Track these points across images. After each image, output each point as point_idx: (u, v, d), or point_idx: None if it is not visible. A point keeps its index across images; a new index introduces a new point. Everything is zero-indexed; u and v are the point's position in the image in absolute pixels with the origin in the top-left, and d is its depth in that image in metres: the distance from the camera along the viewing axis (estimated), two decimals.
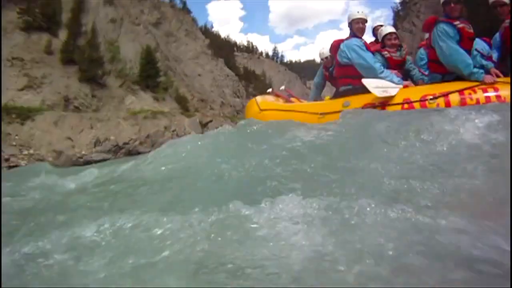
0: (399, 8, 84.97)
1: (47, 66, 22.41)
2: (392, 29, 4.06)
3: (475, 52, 3.54)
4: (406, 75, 4.08)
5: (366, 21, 3.95)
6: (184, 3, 73.02)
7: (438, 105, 3.16)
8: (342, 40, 3.96)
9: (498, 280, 1.12)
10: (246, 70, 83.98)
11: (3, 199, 2.07)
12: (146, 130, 19.56)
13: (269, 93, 5.00)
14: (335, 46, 4.07)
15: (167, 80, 37.48)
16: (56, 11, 29.64)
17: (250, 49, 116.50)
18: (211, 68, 56.10)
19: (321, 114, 3.73)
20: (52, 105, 19.28)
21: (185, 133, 22.48)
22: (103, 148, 15.54)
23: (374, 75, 3.57)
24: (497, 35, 4.00)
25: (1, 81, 19.27)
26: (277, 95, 4.81)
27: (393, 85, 3.51)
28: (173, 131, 21.80)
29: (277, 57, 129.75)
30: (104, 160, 13.77)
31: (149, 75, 33.70)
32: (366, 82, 3.45)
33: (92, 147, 15.41)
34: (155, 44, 43.18)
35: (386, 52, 3.93)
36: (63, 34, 27.20)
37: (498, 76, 3.31)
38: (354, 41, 3.77)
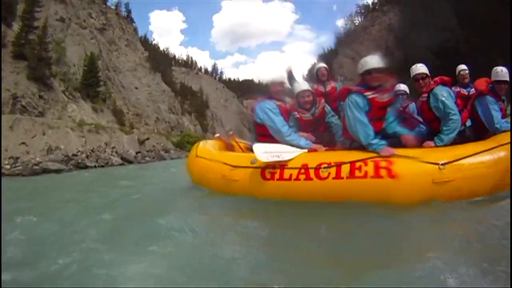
0: (342, 35, 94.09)
1: None
2: (305, 87, 3.94)
3: (390, 119, 3.56)
4: (328, 130, 4.12)
5: (284, 83, 4.15)
6: (129, 12, 73.03)
7: (329, 174, 3.13)
8: (260, 101, 4.09)
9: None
10: (183, 86, 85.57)
11: None
12: (91, 144, 20.67)
13: (216, 138, 5.09)
14: (252, 106, 4.26)
15: (106, 90, 38.05)
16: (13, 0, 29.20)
17: (189, 64, 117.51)
18: (148, 82, 56.99)
19: (232, 166, 3.86)
20: (2, 103, 19.56)
21: (123, 151, 23.91)
22: (55, 157, 15.73)
23: (282, 138, 3.76)
24: (413, 105, 4.35)
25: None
26: (220, 140, 4.95)
27: (293, 149, 3.61)
28: (112, 147, 23.02)
29: (216, 74, 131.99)
30: (60, 170, 14.06)
31: (90, 84, 34.03)
32: (255, 147, 3.58)
33: (45, 154, 15.69)
34: (98, 51, 43.48)
35: (296, 113, 3.97)
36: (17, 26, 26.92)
37: (412, 144, 3.39)
38: (267, 104, 3.94)
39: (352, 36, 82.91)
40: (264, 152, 3.47)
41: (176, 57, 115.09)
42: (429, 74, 3.57)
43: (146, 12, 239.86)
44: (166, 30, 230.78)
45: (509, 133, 3.15)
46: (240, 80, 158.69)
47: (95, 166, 17.46)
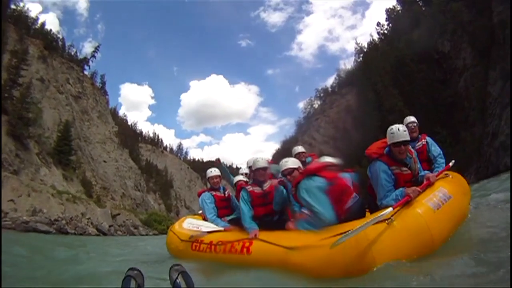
0: (302, 121, 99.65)
1: None
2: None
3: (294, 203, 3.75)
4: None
5: (220, 176, 5.39)
6: (103, 83, 73.14)
7: (221, 249, 4.00)
8: (201, 192, 5.38)
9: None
10: (149, 164, 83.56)
11: None
12: (69, 212, 19.20)
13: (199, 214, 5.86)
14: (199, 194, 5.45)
15: (76, 160, 36.11)
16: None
17: (155, 142, 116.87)
18: (116, 157, 55.02)
19: (180, 240, 4.90)
20: None
21: (98, 223, 22.24)
22: (40, 218, 15.99)
23: (209, 220, 4.95)
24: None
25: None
26: (202, 217, 5.57)
27: (212, 227, 4.66)
28: (88, 218, 21.47)
29: (181, 154, 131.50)
30: (48, 232, 15.03)
31: (63, 151, 32.41)
32: (187, 221, 5.33)
33: (30, 214, 15.97)
34: (72, 118, 42.35)
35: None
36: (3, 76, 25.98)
37: (290, 228, 3.62)
38: (205, 196, 5.20)
39: (312, 120, 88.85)
40: (189, 223, 5.21)
41: (143, 133, 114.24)
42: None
43: (117, 84, 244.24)
44: (134, 104, 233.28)
45: (388, 209, 2.69)
46: (205, 161, 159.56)
47: (74, 234, 17.61)
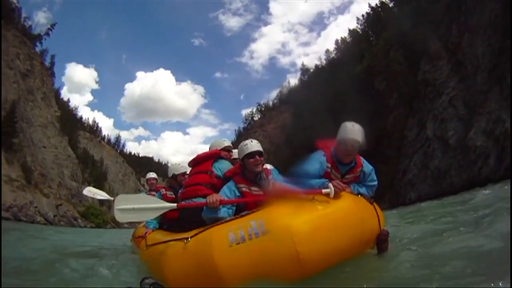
0: (242, 131, 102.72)
1: None
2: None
3: None
4: None
5: (156, 179, 5.97)
6: (52, 64, 69.27)
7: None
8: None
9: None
10: (86, 153, 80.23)
11: None
12: (20, 200, 19.69)
13: None
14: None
15: (18, 143, 34.82)
16: None
17: (93, 130, 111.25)
18: (55, 143, 52.64)
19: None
20: None
21: (44, 212, 22.69)
22: None
23: None
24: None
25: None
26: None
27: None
28: (35, 207, 21.95)
29: (119, 146, 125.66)
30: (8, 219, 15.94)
31: (6, 133, 31.30)
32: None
33: None
34: (18, 97, 40.60)
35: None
36: None
37: None
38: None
39: (250, 132, 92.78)
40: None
41: (83, 119, 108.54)
42: None
43: (64, 62, 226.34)
44: (78, 86, 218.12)
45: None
46: (141, 156, 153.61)
47: (25, 221, 17.91)
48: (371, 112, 34.14)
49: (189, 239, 2.32)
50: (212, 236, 2.23)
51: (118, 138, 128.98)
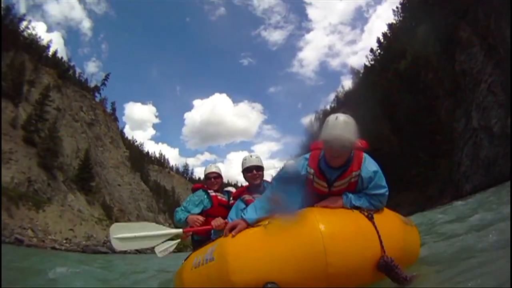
0: (305, 143, 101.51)
1: (11, 141, 23.78)
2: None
3: None
4: None
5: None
6: (114, 110, 75.62)
7: None
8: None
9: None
10: (157, 185, 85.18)
11: None
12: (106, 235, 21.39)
13: None
14: None
15: (96, 185, 37.99)
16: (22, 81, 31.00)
17: (161, 162, 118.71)
18: (129, 181, 56.94)
19: None
20: (19, 183, 21.48)
21: None
22: (96, 242, 19.65)
23: None
24: None
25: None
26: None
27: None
28: None
29: (187, 174, 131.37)
30: (107, 252, 18.38)
31: (84, 178, 34.41)
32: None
33: (87, 239, 19.29)
34: (88, 145, 44.33)
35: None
36: (23, 106, 28.63)
37: None
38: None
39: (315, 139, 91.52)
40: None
41: (149, 153, 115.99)
42: None
43: (121, 103, 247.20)
44: (139, 122, 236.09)
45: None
46: None
47: (118, 253, 19.47)
48: (423, 108, 34.48)
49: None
50: (189, 258, 2.63)
51: (185, 166, 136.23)
